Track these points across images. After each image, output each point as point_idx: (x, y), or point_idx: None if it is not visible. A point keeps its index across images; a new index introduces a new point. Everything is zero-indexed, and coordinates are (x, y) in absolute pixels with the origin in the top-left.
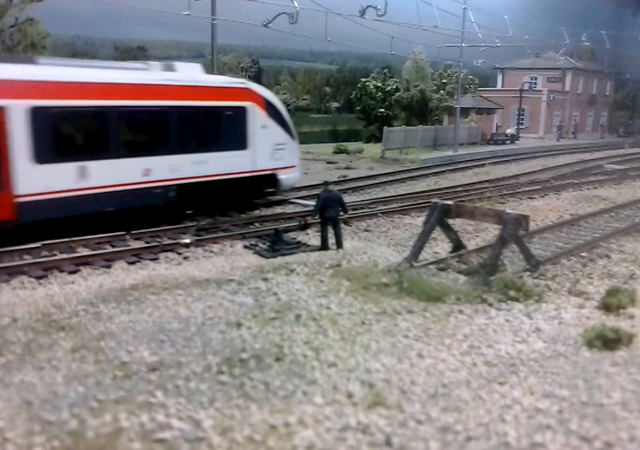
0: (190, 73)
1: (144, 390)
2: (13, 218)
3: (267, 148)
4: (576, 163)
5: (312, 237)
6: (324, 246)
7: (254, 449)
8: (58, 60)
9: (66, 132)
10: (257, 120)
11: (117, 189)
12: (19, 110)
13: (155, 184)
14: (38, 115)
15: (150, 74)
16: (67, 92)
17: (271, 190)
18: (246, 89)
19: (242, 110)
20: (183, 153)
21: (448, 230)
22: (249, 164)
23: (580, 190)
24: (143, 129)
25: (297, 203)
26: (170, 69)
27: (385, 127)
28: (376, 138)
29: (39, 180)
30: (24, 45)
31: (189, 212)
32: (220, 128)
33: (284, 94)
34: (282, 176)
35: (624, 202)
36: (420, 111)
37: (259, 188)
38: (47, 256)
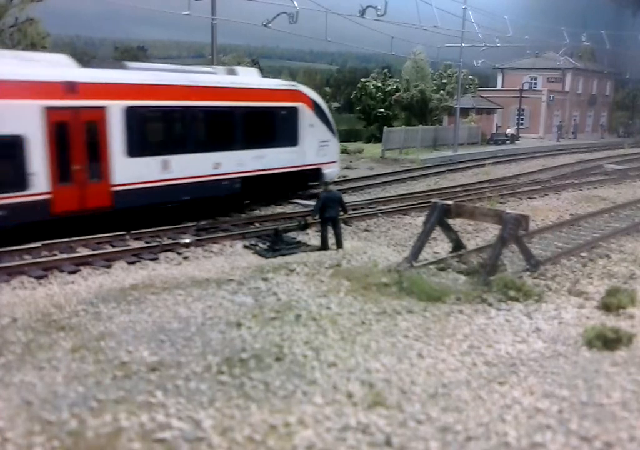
0: (249, 76)
1: (144, 390)
2: (110, 205)
3: (314, 145)
4: (576, 163)
5: (312, 237)
6: (324, 246)
7: (254, 449)
8: (143, 64)
9: (153, 129)
10: (306, 120)
11: (193, 181)
12: (116, 109)
13: (224, 177)
14: (131, 114)
15: (219, 77)
16: (153, 93)
17: (315, 183)
18: (297, 90)
19: (294, 110)
20: (246, 149)
21: (448, 230)
22: (299, 159)
23: (580, 190)
24: (214, 126)
25: (297, 203)
26: (232, 72)
27: (385, 127)
28: (376, 138)
29: (130, 171)
30: (24, 45)
31: (247, 202)
32: (275, 126)
33: None
34: (326, 170)
35: (624, 202)
36: (420, 111)
37: (306, 181)
38: (47, 256)
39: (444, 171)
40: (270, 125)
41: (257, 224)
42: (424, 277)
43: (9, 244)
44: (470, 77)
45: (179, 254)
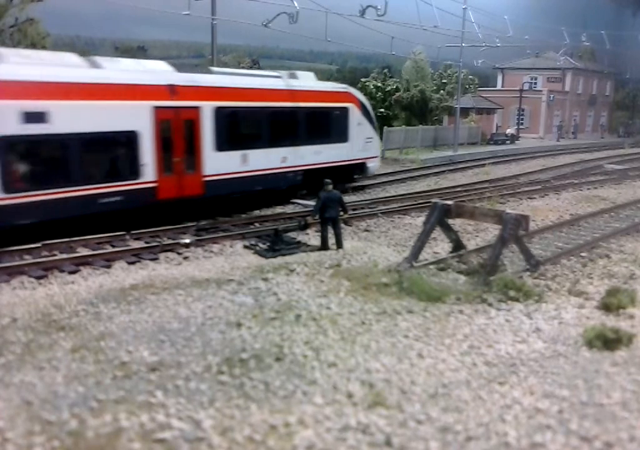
0: (308, 80)
1: (144, 390)
2: (202, 193)
3: (360, 141)
4: (576, 163)
5: (312, 237)
6: (324, 246)
7: (254, 449)
8: (223, 69)
9: (235, 127)
10: (355, 119)
11: (265, 173)
12: (207, 109)
13: (289, 169)
14: (218, 114)
15: (284, 81)
16: (235, 95)
17: (359, 176)
18: (348, 92)
19: (345, 111)
20: (307, 145)
21: (448, 230)
22: (349, 154)
23: (580, 190)
24: (282, 125)
25: (297, 203)
26: (293, 77)
27: (385, 127)
28: None
29: (217, 164)
30: (24, 45)
31: (303, 192)
32: (330, 125)
33: None
34: (369, 165)
35: (624, 202)
36: (420, 111)
37: (353, 174)
38: (47, 256)
39: (444, 171)
40: (326, 124)
41: (257, 224)
42: (424, 277)
43: (9, 244)
44: (470, 77)
45: (179, 254)
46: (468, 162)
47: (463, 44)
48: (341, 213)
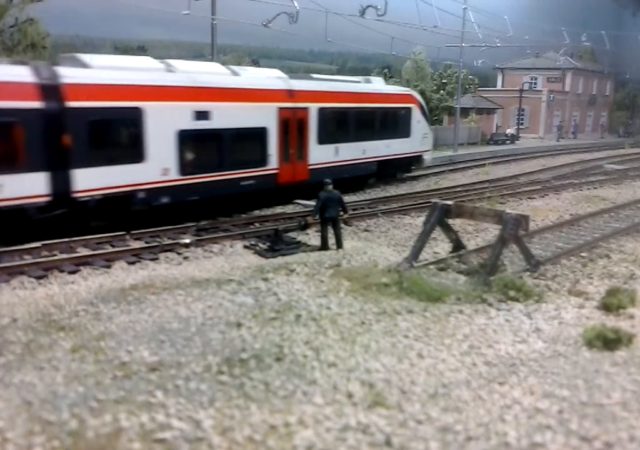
0: (379, 84)
1: (144, 390)
2: (308, 179)
3: (419, 136)
4: (576, 163)
5: (312, 237)
6: (324, 246)
7: (254, 449)
8: (320, 76)
9: (331, 124)
10: (415, 117)
11: (350, 163)
12: (313, 109)
13: (367, 160)
14: (320, 113)
15: (363, 85)
16: (331, 98)
17: (415, 167)
18: (410, 94)
19: (408, 110)
20: (380, 139)
21: (448, 230)
22: (410, 148)
23: (580, 190)
24: (362, 122)
25: (297, 203)
26: (368, 81)
27: None
28: None
29: (318, 155)
30: (24, 45)
31: (373, 180)
32: (397, 122)
33: None
34: (425, 157)
35: (624, 202)
36: None
37: (411, 165)
38: (47, 256)
39: (444, 171)
40: (394, 122)
41: (257, 224)
42: (424, 277)
43: (9, 244)
44: (470, 77)
45: (179, 254)
46: (468, 162)
47: (463, 44)
48: (341, 213)
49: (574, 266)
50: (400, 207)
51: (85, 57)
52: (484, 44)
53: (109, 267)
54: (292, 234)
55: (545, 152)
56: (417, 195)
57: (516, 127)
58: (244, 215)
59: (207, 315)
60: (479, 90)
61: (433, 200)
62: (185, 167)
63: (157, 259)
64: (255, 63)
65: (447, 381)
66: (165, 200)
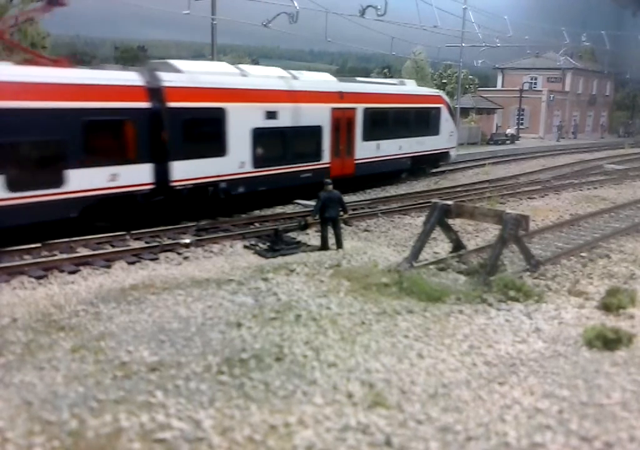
0: (412, 86)
1: (144, 390)
2: (354, 172)
3: (447, 134)
4: (576, 163)
5: (312, 237)
6: (324, 246)
7: (254, 449)
8: (363, 79)
9: (373, 123)
10: (443, 116)
11: (390, 158)
12: (360, 110)
13: (403, 156)
14: (365, 113)
15: (399, 87)
16: (374, 99)
17: (442, 163)
18: (439, 96)
19: (438, 110)
20: (414, 136)
21: (448, 230)
22: (439, 144)
23: (580, 190)
24: (399, 121)
25: (297, 203)
26: (402, 83)
27: None
28: None
29: (363, 151)
30: (24, 45)
31: (403, 175)
32: (428, 121)
33: None
34: (451, 153)
35: (624, 202)
36: None
37: (439, 160)
38: (47, 256)
39: (444, 171)
40: (426, 120)
41: (257, 224)
42: (424, 277)
43: (9, 244)
44: (470, 77)
45: (179, 254)
46: (468, 162)
47: (463, 44)
48: (341, 213)
49: (574, 266)
50: (400, 207)
51: (177, 63)
52: (484, 44)
53: (109, 267)
54: (292, 234)
55: (545, 152)
56: (417, 195)
57: (516, 127)
58: (244, 215)
59: (207, 315)
60: (479, 90)
61: (433, 200)
62: (257, 161)
63: (157, 259)
64: (255, 63)
65: (447, 381)
66: (241, 189)
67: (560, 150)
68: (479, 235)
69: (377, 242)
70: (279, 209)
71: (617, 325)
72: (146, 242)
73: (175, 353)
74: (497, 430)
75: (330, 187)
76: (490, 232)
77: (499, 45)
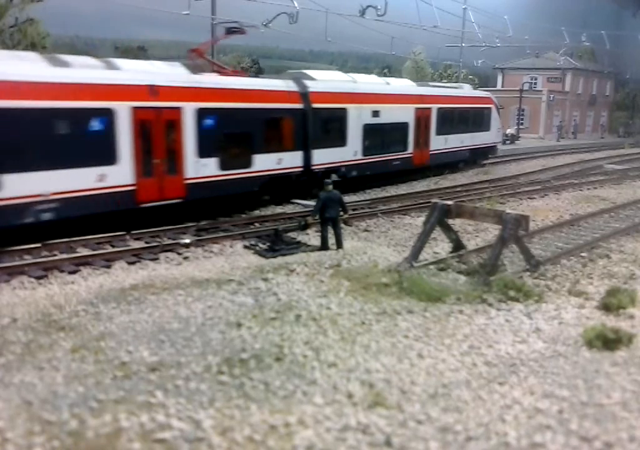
0: (468, 89)
1: (144, 390)
2: (429, 162)
3: (495, 130)
4: (576, 163)
5: (312, 237)
6: (324, 246)
7: (254, 449)
8: (435, 83)
9: (444, 120)
10: (493, 115)
11: (454, 150)
12: (434, 109)
13: (464, 149)
14: (438, 112)
15: (459, 90)
16: (444, 100)
17: (491, 155)
18: (489, 97)
19: (489, 109)
20: (471, 132)
21: (448, 230)
22: (489, 139)
23: (580, 190)
24: (461, 119)
25: (297, 203)
26: (461, 87)
27: None
28: None
29: (436, 143)
30: (24, 45)
31: (460, 165)
32: (482, 119)
33: None
34: (497, 147)
35: (624, 202)
36: None
37: (489, 153)
38: (47, 256)
39: (445, 171)
40: (480, 118)
41: (257, 224)
42: (424, 277)
43: (9, 244)
44: (470, 77)
45: (179, 254)
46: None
47: (463, 44)
48: (341, 213)
49: (574, 266)
50: (400, 207)
51: (312, 73)
52: (484, 44)
53: (109, 267)
54: (292, 234)
55: (545, 152)
56: (417, 195)
57: (516, 127)
58: (244, 215)
59: (207, 315)
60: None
61: (433, 200)
62: (365, 150)
63: (157, 259)
64: (255, 63)
65: (447, 381)
66: (354, 173)
67: (560, 150)
68: (479, 235)
69: (377, 242)
70: (279, 209)
71: (617, 325)
72: (146, 242)
73: (175, 353)
74: (497, 430)
75: (330, 187)
76: (490, 232)
77: (499, 45)
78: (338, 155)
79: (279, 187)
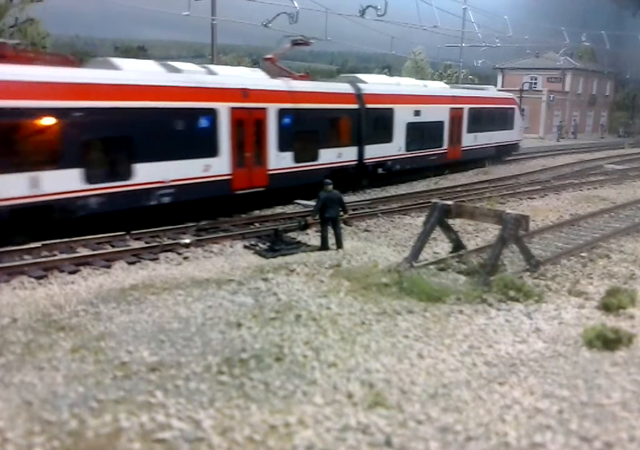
0: (493, 90)
1: (144, 390)
2: (460, 158)
3: (517, 128)
4: (576, 163)
5: (312, 237)
6: (324, 246)
7: (254, 449)
8: (467, 85)
9: (473, 119)
10: (516, 114)
11: (482, 147)
12: (465, 109)
13: (492, 145)
14: (469, 112)
15: (486, 92)
16: (472, 101)
17: (514, 152)
18: (513, 98)
19: (512, 109)
20: (498, 130)
21: (448, 230)
22: (513, 137)
23: (580, 190)
24: (489, 117)
25: (297, 203)
26: (486, 88)
27: None
28: None
29: (467, 140)
30: (24, 45)
31: (487, 161)
32: (507, 118)
33: None
34: (520, 144)
35: (624, 202)
36: None
37: (512, 150)
38: (47, 256)
39: (444, 171)
40: (505, 117)
41: (257, 224)
42: (424, 277)
43: (9, 244)
44: (470, 77)
45: (179, 254)
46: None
47: (463, 44)
48: (341, 213)
49: (574, 266)
50: (400, 207)
51: (363, 76)
52: (484, 44)
53: (109, 267)
54: (292, 234)
55: (546, 152)
56: (417, 195)
57: None
58: (244, 215)
59: (207, 315)
60: None
61: (433, 200)
62: (407, 146)
63: (157, 259)
64: (255, 63)
65: (447, 381)
66: (397, 167)
67: (560, 150)
68: (479, 235)
69: (377, 242)
70: (279, 209)
71: (617, 325)
72: (146, 242)
73: (175, 353)
74: (497, 430)
75: (330, 187)
76: (490, 232)
77: (499, 45)
78: (385, 150)
79: (338, 178)
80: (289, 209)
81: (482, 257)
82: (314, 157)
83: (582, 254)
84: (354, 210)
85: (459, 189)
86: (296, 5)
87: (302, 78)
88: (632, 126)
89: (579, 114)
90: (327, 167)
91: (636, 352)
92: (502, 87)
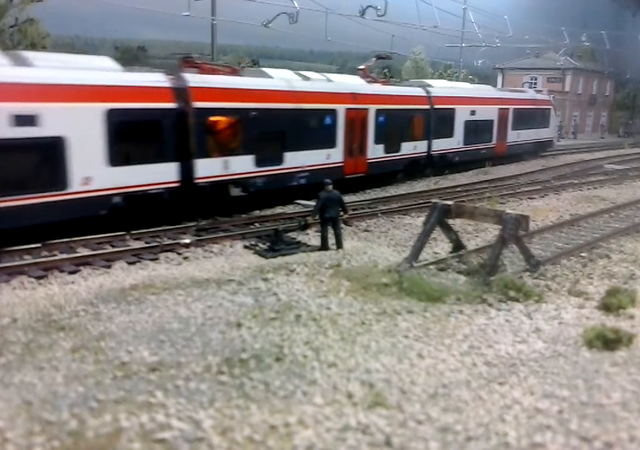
0: (532, 92)
1: (144, 390)
2: (505, 153)
3: (553, 127)
4: (576, 163)
5: (312, 237)
6: (324, 246)
7: (254, 449)
8: (501, 88)
9: (517, 118)
10: (552, 114)
11: (522, 142)
12: (511, 109)
13: (531, 142)
14: (514, 112)
15: (526, 93)
16: (517, 102)
17: (549, 148)
18: (549, 99)
19: (548, 110)
20: (531, 128)
21: (448, 230)
22: (549, 134)
23: (580, 190)
24: (527, 117)
25: (297, 203)
26: (526, 91)
27: None
28: None
29: (511, 137)
30: (24, 45)
31: (525, 156)
32: (544, 117)
33: None
34: (554, 141)
35: (624, 202)
36: None
37: (547, 146)
38: (47, 256)
39: (444, 171)
40: (542, 117)
41: (257, 224)
42: (424, 277)
43: (9, 244)
44: (470, 77)
45: (179, 254)
46: (468, 162)
47: (463, 44)
48: (341, 213)
49: (574, 266)
50: (400, 207)
51: (430, 81)
52: (484, 44)
53: (109, 267)
54: (292, 234)
55: (545, 152)
56: (417, 195)
57: None
58: (244, 215)
59: (207, 316)
60: None
61: (433, 200)
62: (464, 141)
63: (157, 259)
64: (255, 63)
65: (447, 381)
66: (457, 158)
67: (560, 150)
68: (479, 235)
69: (377, 242)
70: (279, 209)
71: (617, 325)
72: (146, 242)
73: (175, 353)
74: (497, 430)
75: (330, 187)
76: (490, 232)
77: (499, 45)
78: (447, 144)
79: (412, 167)
80: (289, 209)
81: (482, 257)
82: (398, 149)
83: (582, 254)
84: (354, 210)
85: (459, 189)
86: (296, 5)
87: (384, 83)
88: (632, 126)
89: (579, 114)
90: (406, 158)
91: (636, 352)
92: (502, 87)
